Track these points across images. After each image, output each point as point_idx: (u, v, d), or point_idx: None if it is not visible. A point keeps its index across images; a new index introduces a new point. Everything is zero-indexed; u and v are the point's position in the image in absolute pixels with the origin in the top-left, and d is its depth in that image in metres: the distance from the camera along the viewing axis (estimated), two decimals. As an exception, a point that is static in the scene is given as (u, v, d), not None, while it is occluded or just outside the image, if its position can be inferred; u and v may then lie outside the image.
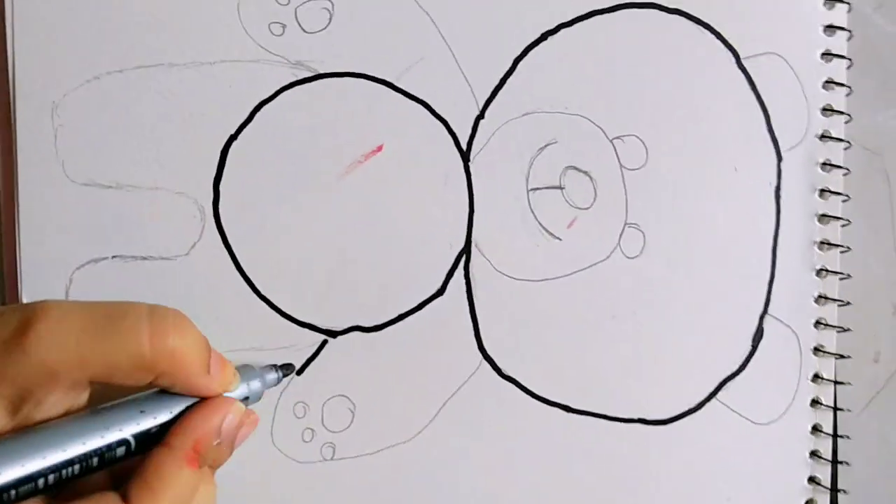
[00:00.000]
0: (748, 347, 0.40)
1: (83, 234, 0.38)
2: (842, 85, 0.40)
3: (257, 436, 0.38)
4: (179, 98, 0.38)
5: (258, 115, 0.38)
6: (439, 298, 0.39)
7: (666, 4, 0.39)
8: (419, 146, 0.39)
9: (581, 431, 0.40)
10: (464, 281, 0.39)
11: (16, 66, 0.37)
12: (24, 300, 0.37)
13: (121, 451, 0.30)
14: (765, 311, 0.40)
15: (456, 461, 0.39)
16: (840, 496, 0.40)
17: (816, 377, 0.40)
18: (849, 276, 0.40)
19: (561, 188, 0.39)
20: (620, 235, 0.39)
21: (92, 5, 0.37)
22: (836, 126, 0.40)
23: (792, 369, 0.40)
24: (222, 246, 0.38)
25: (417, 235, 0.39)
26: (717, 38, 0.39)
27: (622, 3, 0.39)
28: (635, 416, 0.40)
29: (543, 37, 0.39)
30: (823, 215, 0.40)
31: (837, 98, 0.40)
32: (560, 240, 0.39)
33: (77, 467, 0.28)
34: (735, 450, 0.40)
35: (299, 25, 0.38)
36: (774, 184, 0.40)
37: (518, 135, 0.39)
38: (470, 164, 0.39)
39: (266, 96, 0.38)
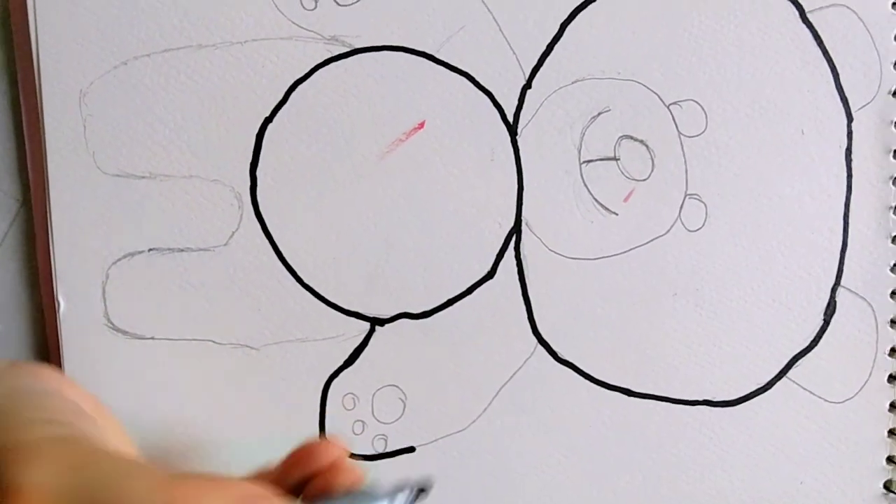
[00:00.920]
0: (820, 322, 0.38)
1: (118, 228, 0.36)
2: (917, 36, 0.37)
3: (306, 430, 0.37)
4: (210, 81, 0.36)
5: (293, 95, 0.36)
6: (490, 281, 0.37)
7: (724, -43, 0.36)
8: (463, 121, 0.37)
9: (643, 416, 0.38)
10: (515, 262, 0.37)
11: (40, 54, 0.35)
12: (61, 301, 0.36)
13: None
14: (837, 283, 0.37)
15: (513, 450, 0.38)
16: (921, 475, 0.38)
17: (894, 351, 0.38)
18: (927, 241, 0.37)
19: (616, 159, 0.37)
20: (681, 207, 0.37)
21: (115, -14, 0.35)
22: (911, 81, 0.37)
23: (867, 343, 0.38)
24: (262, 234, 0.37)
25: (464, 215, 0.37)
26: (780, -10, 0.36)
27: (676, -43, 0.36)
28: (700, 398, 0.38)
29: (592, -2, 0.36)
30: (899, 177, 0.37)
31: (912, 51, 0.37)
32: (616, 214, 0.37)
33: None
34: (808, 430, 0.38)
35: (332, -2, 0.36)
36: (845, 146, 0.37)
37: (568, 104, 0.37)
38: (518, 137, 0.37)
39: (300, 75, 0.36)
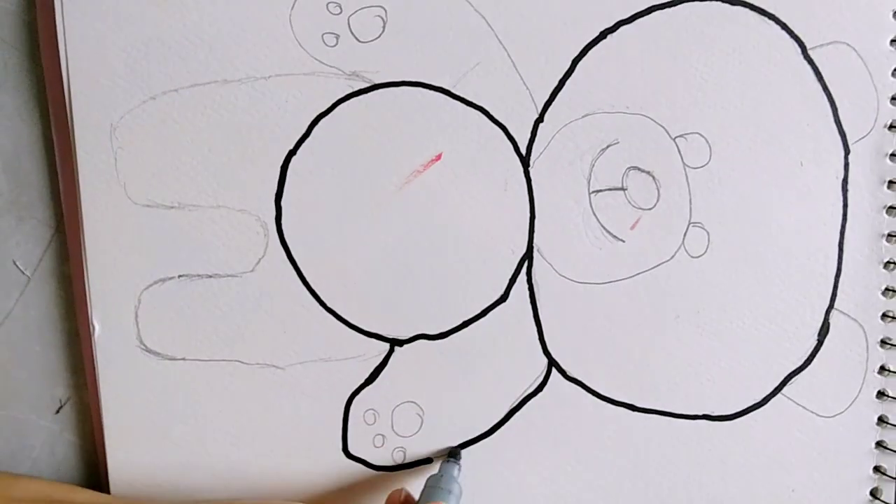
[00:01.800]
0: (814, 342, 0.40)
1: (149, 255, 0.38)
2: (912, 71, 0.38)
3: (330, 443, 0.39)
4: (236, 115, 0.37)
5: (316, 128, 0.38)
6: (503, 304, 0.39)
7: (729, -5, 0.38)
8: (478, 153, 0.38)
9: (647, 429, 0.40)
10: (527, 286, 0.39)
11: (72, 89, 0.37)
12: (96, 324, 0.38)
13: None
14: (831, 306, 0.40)
15: (524, 462, 0.40)
16: (905, 483, 0.41)
17: (883, 369, 0.40)
18: (916, 265, 0.39)
19: (623, 189, 0.39)
20: (684, 235, 0.39)
21: (143, 25, 0.36)
22: (906, 113, 0.39)
23: (858, 362, 0.40)
24: (287, 260, 0.38)
25: (479, 242, 0.39)
26: (783, 28, 0.38)
27: (684, -4, 0.38)
28: (700, 413, 0.40)
29: (602, 35, 0.38)
30: (891, 207, 0.39)
31: (907, 85, 0.39)
32: (623, 241, 0.39)
33: None
34: (800, 442, 0.40)
35: (353, 35, 0.37)
36: (842, 176, 0.39)
37: (578, 137, 0.38)
38: (530, 168, 0.39)
39: (323, 109, 0.38)
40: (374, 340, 0.39)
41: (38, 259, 0.39)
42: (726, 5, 0.38)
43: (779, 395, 0.40)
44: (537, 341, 0.39)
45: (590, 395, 0.40)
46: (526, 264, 0.39)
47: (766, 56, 0.38)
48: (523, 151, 0.38)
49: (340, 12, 0.37)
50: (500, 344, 0.39)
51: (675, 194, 0.39)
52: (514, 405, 0.40)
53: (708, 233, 0.39)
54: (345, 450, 0.40)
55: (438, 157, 0.38)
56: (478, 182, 0.38)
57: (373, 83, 0.37)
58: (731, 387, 0.40)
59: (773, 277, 0.39)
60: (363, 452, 0.40)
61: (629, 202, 0.39)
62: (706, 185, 0.39)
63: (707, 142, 0.38)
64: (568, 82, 0.38)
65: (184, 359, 0.39)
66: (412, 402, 0.40)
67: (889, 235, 0.39)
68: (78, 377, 0.39)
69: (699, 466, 0.41)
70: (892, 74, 0.38)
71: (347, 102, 0.38)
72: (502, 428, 0.40)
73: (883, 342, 0.40)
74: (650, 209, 0.39)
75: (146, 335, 0.38)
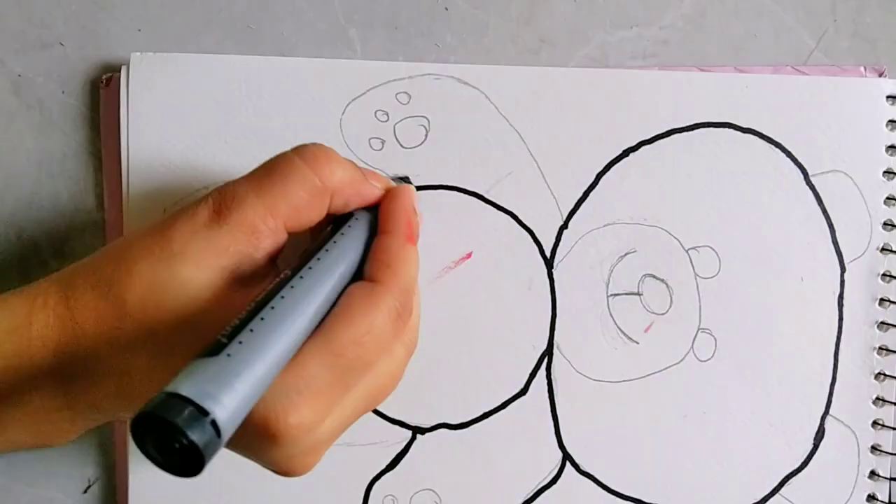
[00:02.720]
0: (810, 446, 0.42)
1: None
2: (900, 199, 0.42)
3: (349, 527, 0.41)
4: (282, 208, 0.39)
5: (356, 224, 0.40)
6: (522, 397, 0.41)
7: (740, 124, 0.41)
8: (506, 254, 0.41)
9: (653, 524, 0.42)
10: (546, 381, 0.41)
11: (130, 179, 0.39)
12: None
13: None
14: (826, 412, 0.42)
15: (535, 551, 0.42)
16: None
17: (873, 474, 0.43)
18: (903, 377, 0.43)
19: (639, 294, 0.42)
20: (694, 340, 0.42)
21: (203, 120, 0.39)
22: None
23: (850, 466, 0.43)
24: (319, 347, 0.40)
25: (503, 337, 0.41)
26: (788, 156, 0.41)
27: (700, 122, 0.41)
28: (704, 510, 0.42)
29: (625, 153, 0.41)
30: (882, 322, 0.42)
31: (897, 212, 0.42)
32: (637, 343, 0.42)
33: None
34: (796, 541, 0.43)
35: (398, 141, 0.40)
36: (838, 292, 0.42)
37: (599, 244, 0.41)
38: (553, 270, 0.41)
39: (365, 207, 0.40)
40: (397, 427, 0.41)
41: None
42: (738, 132, 0.41)
43: (777, 496, 0.42)
44: (553, 435, 0.42)
45: (601, 489, 0.42)
46: (546, 360, 0.41)
47: (772, 179, 0.42)
48: (548, 255, 0.41)
49: (387, 120, 0.40)
50: (518, 436, 0.41)
51: (686, 301, 0.42)
52: (529, 497, 0.41)
53: (715, 339, 0.42)
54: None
55: (469, 256, 0.41)
56: (504, 281, 0.41)
57: (414, 185, 0.40)
58: (732, 486, 0.42)
59: (774, 383, 0.42)
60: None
61: (644, 307, 0.42)
62: (715, 294, 0.42)
63: (717, 255, 0.42)
64: (592, 194, 0.41)
65: (213, 438, 0.40)
66: (431, 489, 0.41)
67: (880, 348, 0.42)
68: (107, 457, 0.40)
69: (701, 562, 0.42)
70: (885, 202, 0.42)
71: (388, 202, 0.40)
72: (517, 518, 0.41)
73: (873, 448, 0.43)
74: (663, 314, 0.42)
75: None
